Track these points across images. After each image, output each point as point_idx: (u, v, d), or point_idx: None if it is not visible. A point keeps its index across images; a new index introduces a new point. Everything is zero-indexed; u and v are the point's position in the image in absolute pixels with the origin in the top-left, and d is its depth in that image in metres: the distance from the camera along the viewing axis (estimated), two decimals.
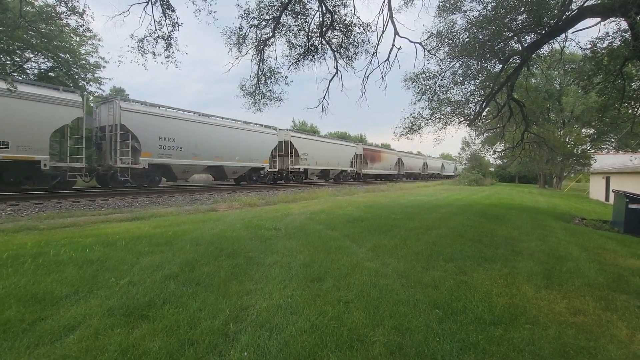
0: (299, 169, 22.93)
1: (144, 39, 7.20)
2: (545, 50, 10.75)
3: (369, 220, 7.21)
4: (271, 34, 8.95)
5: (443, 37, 9.92)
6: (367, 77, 10.40)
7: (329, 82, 10.29)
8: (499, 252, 4.86)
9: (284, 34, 9.26)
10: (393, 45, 9.82)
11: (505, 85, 10.14)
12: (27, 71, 17.92)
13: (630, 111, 9.88)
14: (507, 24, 8.60)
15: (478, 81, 11.04)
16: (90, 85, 20.44)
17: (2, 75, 11.24)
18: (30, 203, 9.26)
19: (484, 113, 13.02)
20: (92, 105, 15.68)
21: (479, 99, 11.43)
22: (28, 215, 7.48)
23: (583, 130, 31.03)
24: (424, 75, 11.00)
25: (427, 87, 11.05)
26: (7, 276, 3.10)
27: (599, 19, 7.33)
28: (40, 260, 3.58)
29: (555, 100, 28.89)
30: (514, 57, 9.72)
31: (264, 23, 8.82)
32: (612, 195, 10.74)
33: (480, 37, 8.98)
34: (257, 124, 19.95)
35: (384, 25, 9.54)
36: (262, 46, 9.15)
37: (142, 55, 7.24)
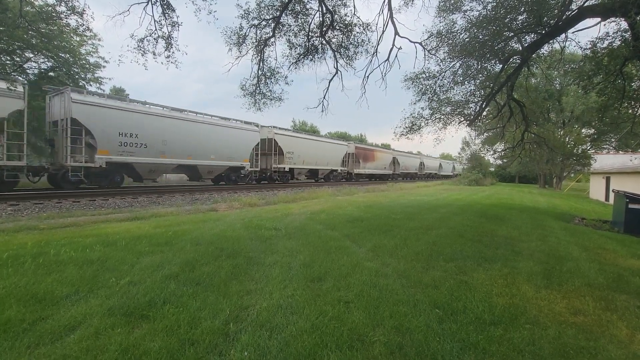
0: (284, 168, 21.53)
1: (144, 39, 7.21)
2: (546, 50, 10.76)
3: (369, 220, 7.21)
4: (271, 33, 8.96)
5: (443, 37, 9.93)
6: (367, 77, 10.43)
7: (329, 82, 10.31)
8: (499, 252, 4.86)
9: (284, 34, 9.28)
10: (393, 45, 9.84)
11: (505, 85, 10.14)
12: (27, 71, 17.92)
13: (630, 111, 9.89)
14: (507, 24, 8.61)
15: (478, 81, 11.05)
16: (91, 85, 20.44)
17: None
18: (30, 203, 9.27)
19: (484, 113, 13.03)
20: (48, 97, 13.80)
21: (479, 99, 11.44)
22: (28, 215, 7.48)
23: (583, 130, 31.05)
24: (424, 75, 11.02)
25: (427, 87, 11.06)
26: (7, 276, 3.10)
27: (599, 19, 7.34)
28: (40, 260, 3.58)
29: (556, 100, 28.91)
30: (514, 57, 9.72)
31: (264, 23, 8.84)
32: (612, 195, 10.74)
33: (480, 37, 8.98)
34: (236, 120, 18.44)
35: (384, 25, 9.56)
36: (262, 46, 9.16)
37: (142, 55, 7.26)
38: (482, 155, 40.51)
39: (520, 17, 8.60)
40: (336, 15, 9.07)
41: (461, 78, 10.82)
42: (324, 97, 10.58)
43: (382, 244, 4.96)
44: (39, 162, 12.46)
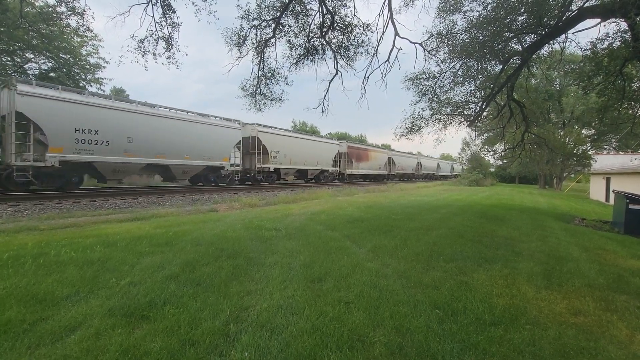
0: (269, 168, 20.09)
1: (144, 39, 7.22)
2: (546, 51, 10.76)
3: (369, 220, 7.21)
4: (271, 34, 8.97)
5: (443, 37, 9.93)
6: (368, 77, 10.44)
7: (329, 83, 10.33)
8: (499, 252, 4.86)
9: (285, 35, 9.29)
10: (393, 45, 9.85)
11: (505, 86, 10.15)
12: (28, 72, 17.95)
13: (630, 112, 9.89)
14: (507, 25, 8.61)
15: (478, 82, 11.05)
16: (91, 85, 20.49)
17: None
18: (30, 203, 9.27)
19: (484, 113, 13.03)
20: None
21: (479, 99, 11.44)
22: (29, 216, 7.49)
23: (583, 131, 31.08)
24: (424, 76, 11.02)
25: (428, 87, 11.07)
26: (7, 276, 3.10)
27: (599, 20, 7.35)
28: (41, 261, 3.58)
29: (556, 101, 28.92)
30: (514, 58, 9.73)
31: (264, 24, 8.85)
32: (612, 196, 10.74)
33: (480, 37, 8.99)
34: (215, 117, 17.15)
35: (384, 26, 9.57)
36: (262, 47, 9.17)
37: (143, 55, 7.28)
38: (482, 155, 40.52)
39: (520, 18, 8.61)
40: (336, 16, 9.09)
41: (461, 79, 10.83)
42: (324, 98, 10.60)
43: (383, 245, 4.96)
44: None
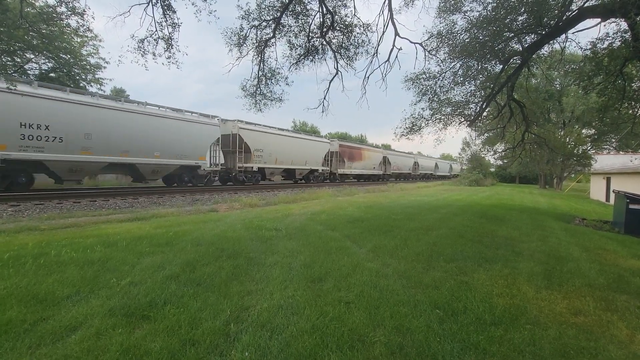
0: (252, 167, 18.81)
1: (144, 39, 7.21)
2: (546, 51, 10.75)
3: (370, 220, 7.21)
4: (272, 34, 8.96)
5: (443, 37, 9.92)
6: (368, 77, 10.42)
7: (330, 83, 10.31)
8: (500, 252, 4.86)
9: (285, 35, 9.28)
10: (393, 45, 9.84)
11: (505, 86, 10.14)
12: (28, 72, 17.97)
13: (630, 112, 9.88)
14: (507, 25, 8.61)
15: (478, 82, 11.04)
16: (91, 86, 20.50)
17: None
18: (31, 203, 9.28)
19: (485, 113, 13.02)
20: None
21: (480, 99, 11.43)
22: (29, 216, 7.49)
23: (583, 131, 31.08)
24: (424, 76, 11.01)
25: (428, 87, 11.06)
26: (8, 276, 3.10)
27: (599, 20, 7.34)
28: (41, 261, 3.58)
29: (556, 101, 28.91)
30: (515, 58, 9.72)
31: (264, 24, 8.84)
32: (612, 196, 10.74)
33: (480, 37, 8.98)
34: (189, 112, 15.99)
35: (384, 26, 9.56)
36: (262, 47, 9.16)
37: (143, 55, 7.25)
38: (483, 155, 40.48)
39: (520, 18, 8.60)
40: (336, 16, 9.08)
41: (461, 79, 10.82)
42: (324, 98, 10.58)
43: (383, 245, 4.96)
44: None
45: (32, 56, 17.42)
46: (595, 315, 2.83)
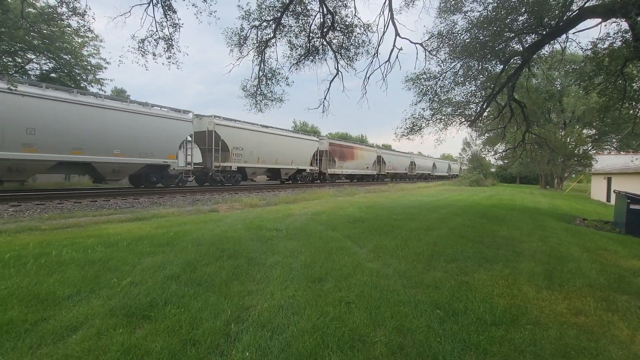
0: (230, 167, 17.48)
1: (144, 39, 7.22)
2: (546, 51, 10.75)
3: (370, 220, 7.21)
4: (272, 34, 8.97)
5: (444, 37, 9.93)
6: (368, 78, 10.43)
7: (330, 83, 10.32)
8: (500, 252, 4.86)
9: (285, 35, 9.29)
10: (394, 46, 9.84)
11: (506, 86, 10.14)
12: (29, 72, 18.00)
13: (631, 112, 9.86)
14: (508, 25, 8.61)
15: (479, 82, 11.05)
16: (92, 86, 20.51)
17: None
18: (32, 204, 9.29)
19: (485, 114, 13.01)
20: None
21: (480, 99, 11.43)
22: (30, 216, 7.50)
23: (584, 131, 31.04)
24: (424, 76, 11.02)
25: (428, 87, 11.07)
26: (9, 276, 3.11)
27: (599, 20, 7.34)
28: (42, 261, 3.59)
29: (556, 101, 28.90)
30: (515, 58, 9.72)
31: (265, 24, 8.85)
32: (613, 196, 10.72)
33: (481, 37, 8.98)
34: (158, 106, 14.68)
35: (384, 26, 9.58)
36: (263, 47, 9.18)
37: (143, 56, 7.27)
38: (483, 156, 40.45)
39: (521, 18, 8.60)
40: (337, 16, 9.09)
41: (462, 79, 10.82)
42: (325, 98, 10.60)
43: (383, 245, 4.96)
44: None
45: (33, 56, 17.44)
46: (596, 316, 2.83)
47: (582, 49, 8.99)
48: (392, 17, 9.10)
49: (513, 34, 8.88)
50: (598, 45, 7.81)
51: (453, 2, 9.57)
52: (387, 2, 8.96)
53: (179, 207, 9.78)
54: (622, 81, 8.00)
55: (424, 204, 11.40)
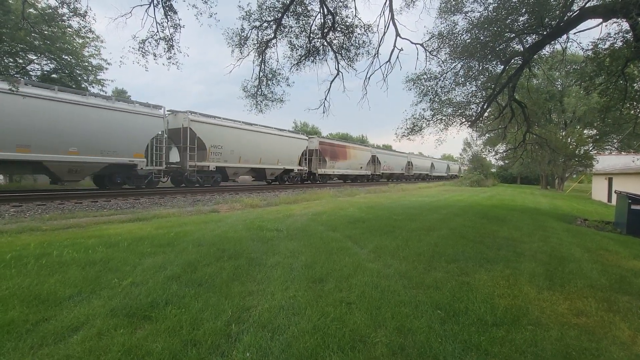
0: (208, 167, 16.27)
1: (145, 40, 7.23)
2: (547, 51, 10.74)
3: (371, 221, 7.21)
4: (273, 35, 8.98)
5: (444, 38, 9.93)
6: (369, 78, 10.43)
7: (331, 84, 10.32)
8: (501, 253, 4.85)
9: (286, 36, 9.30)
10: (394, 46, 9.84)
11: (506, 86, 10.13)
12: (30, 73, 18.03)
13: (632, 112, 9.85)
14: (508, 25, 8.61)
15: (479, 82, 11.05)
16: (93, 87, 20.54)
17: None
18: (33, 204, 9.31)
19: (486, 114, 13.02)
20: None
21: (481, 100, 11.43)
22: (31, 216, 7.51)
23: (585, 131, 30.97)
24: (425, 77, 11.02)
25: (429, 88, 11.06)
26: (10, 277, 3.11)
27: (600, 20, 7.33)
28: (43, 261, 3.59)
29: (557, 101, 28.86)
30: (516, 58, 9.72)
31: (265, 24, 8.86)
32: (614, 196, 10.70)
33: (481, 38, 8.98)
34: (122, 100, 13.80)
35: (385, 27, 9.59)
36: (263, 47, 9.18)
37: (144, 56, 7.27)
38: (484, 156, 40.38)
39: (521, 18, 8.60)
40: (337, 17, 9.09)
41: (462, 79, 10.82)
42: (325, 99, 10.59)
43: (384, 245, 4.95)
44: None
45: (34, 57, 17.47)
46: (597, 316, 2.82)
47: (583, 49, 9.01)
48: (392, 18, 9.10)
49: (514, 35, 8.88)
50: (599, 45, 7.79)
51: (453, 2, 9.58)
52: (388, 2, 8.97)
53: (180, 207, 9.79)
54: (623, 81, 7.98)
55: (424, 205, 11.39)
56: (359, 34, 9.54)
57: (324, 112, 10.74)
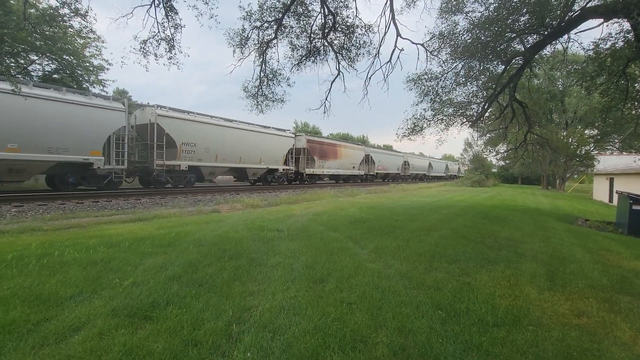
0: (179, 166, 14.93)
1: (146, 40, 7.24)
2: (548, 51, 10.72)
3: (371, 221, 7.20)
4: (273, 35, 8.98)
5: (445, 38, 9.92)
6: (369, 78, 10.43)
7: (331, 84, 10.33)
8: (502, 253, 4.85)
9: (286, 36, 9.30)
10: (395, 46, 9.84)
11: (507, 86, 10.12)
12: (32, 73, 18.07)
13: (633, 112, 9.82)
14: (509, 25, 8.60)
15: (480, 82, 11.03)
16: (94, 87, 20.58)
17: None
18: (34, 204, 9.32)
19: (487, 114, 12.99)
20: None
21: (482, 100, 11.41)
22: (32, 216, 7.53)
23: (586, 131, 30.90)
24: (426, 77, 11.01)
25: (430, 88, 11.05)
26: (12, 277, 3.12)
27: (601, 20, 7.31)
28: (44, 261, 3.60)
29: (558, 101, 28.82)
30: (517, 58, 9.70)
31: (266, 25, 8.86)
32: (615, 197, 10.68)
33: (482, 38, 8.97)
34: (73, 91, 12.54)
35: (386, 27, 9.56)
36: (264, 48, 9.18)
37: (145, 56, 7.28)
38: (485, 156, 40.32)
39: (522, 18, 8.59)
40: (338, 17, 9.09)
41: (463, 79, 10.81)
42: (326, 99, 10.59)
43: (385, 246, 4.95)
44: None
45: (35, 57, 17.51)
46: (598, 317, 2.82)
47: (584, 49, 9.00)
48: (393, 18, 9.11)
49: (514, 35, 8.87)
50: (600, 45, 7.77)
51: (454, 2, 9.57)
52: (389, 2, 8.97)
53: (181, 207, 9.80)
54: (625, 81, 7.96)
55: (425, 205, 11.38)
56: (359, 34, 9.55)
57: (324, 113, 10.75)
